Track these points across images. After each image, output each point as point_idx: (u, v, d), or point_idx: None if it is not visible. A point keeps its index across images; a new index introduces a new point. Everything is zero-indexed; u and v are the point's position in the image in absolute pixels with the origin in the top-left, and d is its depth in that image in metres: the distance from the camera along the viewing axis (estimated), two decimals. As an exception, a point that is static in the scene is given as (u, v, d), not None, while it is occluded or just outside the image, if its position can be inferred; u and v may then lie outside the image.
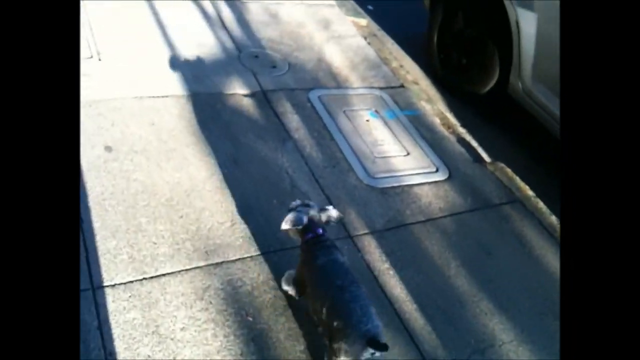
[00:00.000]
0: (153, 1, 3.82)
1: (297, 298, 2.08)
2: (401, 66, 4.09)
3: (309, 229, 1.94)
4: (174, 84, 3.12)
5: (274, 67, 3.56)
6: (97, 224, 2.22)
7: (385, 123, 3.34)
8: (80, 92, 2.85)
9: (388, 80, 3.79)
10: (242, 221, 2.41)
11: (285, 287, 2.11)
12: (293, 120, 3.12)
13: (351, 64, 3.84)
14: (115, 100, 2.87)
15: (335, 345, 1.70)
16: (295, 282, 2.04)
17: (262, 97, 3.25)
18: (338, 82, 3.61)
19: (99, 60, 3.13)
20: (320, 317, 1.78)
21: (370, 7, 5.00)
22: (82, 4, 3.55)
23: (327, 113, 3.26)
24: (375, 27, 4.60)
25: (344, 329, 1.67)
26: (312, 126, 3.12)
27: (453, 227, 2.73)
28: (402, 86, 3.77)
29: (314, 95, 3.39)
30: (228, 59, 3.48)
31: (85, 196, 2.32)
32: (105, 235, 2.18)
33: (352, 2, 4.85)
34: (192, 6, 3.93)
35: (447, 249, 2.59)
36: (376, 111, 3.43)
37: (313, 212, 1.98)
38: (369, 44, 4.18)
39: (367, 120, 3.32)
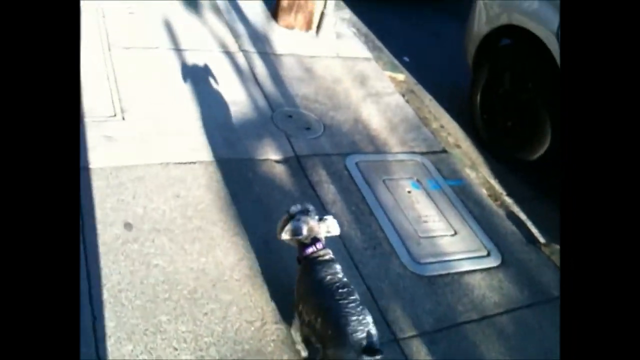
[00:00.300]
0: (183, 51, 3.64)
1: (304, 354, 2.00)
2: (442, 126, 3.82)
3: (308, 243, 1.94)
4: (202, 148, 2.88)
5: (309, 128, 3.32)
6: (111, 322, 1.94)
7: (429, 195, 3.05)
8: (102, 156, 2.63)
9: (429, 143, 3.52)
10: (274, 320, 2.12)
11: (298, 347, 2.03)
12: (329, 191, 2.85)
13: (390, 125, 3.58)
14: (139, 167, 2.64)
15: (329, 352, 1.72)
16: (295, 306, 1.96)
17: (296, 164, 2.99)
18: (376, 146, 3.35)
19: (123, 119, 2.92)
20: (315, 328, 1.79)
21: (406, 59, 4.79)
22: (107, 53, 3.38)
23: (365, 183, 2.99)
24: (412, 82, 4.36)
25: (339, 337, 1.68)
26: (349, 199, 2.85)
27: (511, 326, 2.40)
28: (444, 151, 3.50)
29: (351, 162, 3.12)
30: (260, 119, 3.25)
31: (100, 286, 2.05)
32: (120, 338, 1.90)
33: (388, 53, 4.65)
34: (223, 59, 3.74)
35: (507, 354, 2.26)
36: (418, 180, 3.14)
37: (312, 223, 1.96)
38: (407, 101, 3.93)
39: (409, 192, 3.04)
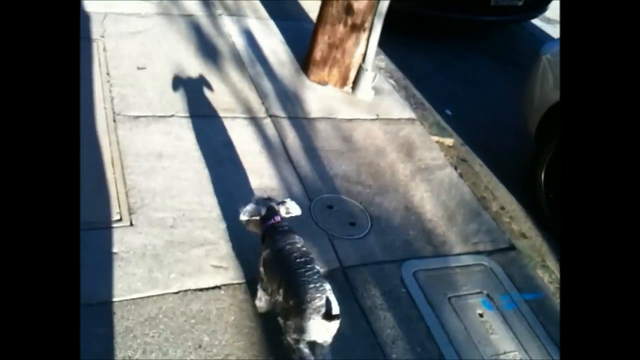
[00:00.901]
0: (201, 119, 3.08)
1: (263, 309, 2.10)
2: (502, 208, 3.25)
3: (267, 217, 2.02)
4: (228, 262, 2.32)
5: (353, 224, 2.75)
6: None
7: (504, 319, 2.48)
8: (104, 283, 2.07)
9: (493, 237, 2.95)
10: None
11: (258, 304, 2.11)
12: (386, 324, 2.28)
13: (447, 213, 3.01)
14: (150, 300, 2.07)
15: (290, 323, 1.76)
16: (259, 279, 2.04)
17: (342, 280, 2.43)
18: (435, 246, 2.77)
19: (131, 224, 2.36)
20: (277, 298, 1.85)
21: (448, 112, 4.23)
22: (111, 125, 2.83)
23: (428, 305, 2.42)
24: (461, 145, 3.79)
25: (299, 306, 1.72)
26: (412, 334, 2.27)
27: None
28: (511, 247, 2.92)
29: (408, 272, 2.55)
30: (297, 214, 2.68)
31: None
32: None
33: (431, 108, 4.08)
34: (249, 127, 3.18)
35: None
36: (489, 296, 2.57)
37: (272, 204, 2.06)
38: (460, 175, 3.36)
39: (481, 315, 2.47)
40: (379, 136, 3.47)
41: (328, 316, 1.69)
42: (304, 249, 1.93)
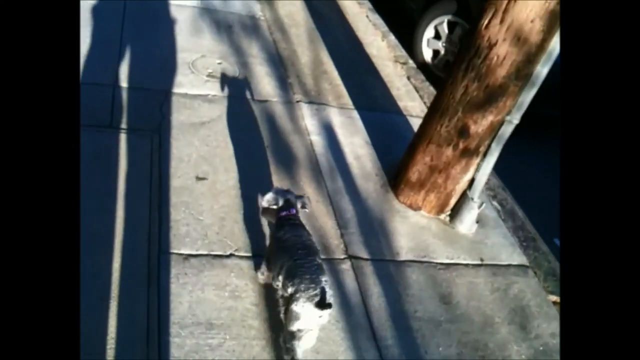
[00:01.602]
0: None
1: (263, 281, 2.28)
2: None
3: (284, 208, 2.13)
4: None
5: None
6: None
7: None
8: None
9: None
10: None
11: (260, 276, 2.28)
12: None
13: None
14: None
15: (288, 311, 1.86)
16: (266, 257, 2.23)
17: None
18: None
19: None
20: (278, 284, 1.97)
21: (557, 242, 3.43)
22: (153, 268, 2.21)
23: None
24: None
25: (295, 294, 1.82)
26: None
27: None
28: None
29: None
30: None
31: None
32: None
33: (544, 246, 3.27)
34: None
35: None
36: None
37: (290, 196, 2.18)
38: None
39: None
40: (485, 295, 2.71)
41: (320, 305, 1.78)
42: (308, 242, 2.04)
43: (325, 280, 1.87)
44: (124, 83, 3.28)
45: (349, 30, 4.90)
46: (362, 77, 4.22)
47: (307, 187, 2.97)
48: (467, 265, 2.86)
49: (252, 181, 2.87)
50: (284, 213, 2.12)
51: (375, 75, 4.32)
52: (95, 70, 3.29)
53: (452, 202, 3.04)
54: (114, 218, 2.41)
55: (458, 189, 2.98)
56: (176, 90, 3.37)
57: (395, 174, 3.15)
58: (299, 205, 2.18)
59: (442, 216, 3.09)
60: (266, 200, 2.15)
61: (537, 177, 4.05)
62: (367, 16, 5.29)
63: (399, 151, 3.42)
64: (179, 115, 3.17)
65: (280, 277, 1.93)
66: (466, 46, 2.50)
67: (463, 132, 2.69)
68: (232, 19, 4.39)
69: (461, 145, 2.75)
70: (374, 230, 2.85)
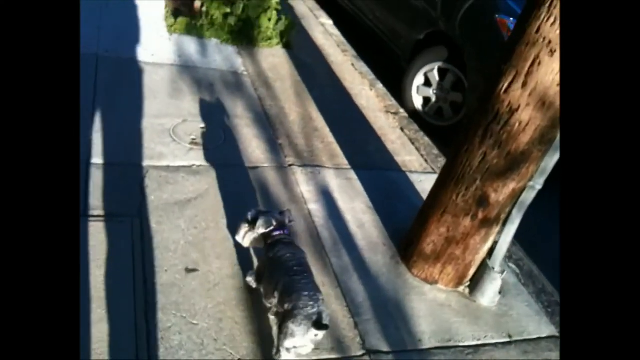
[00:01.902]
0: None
1: (254, 286, 2.30)
2: None
3: (277, 228, 2.16)
4: None
5: None
6: None
7: None
8: None
9: None
10: None
11: (248, 279, 2.34)
12: None
13: None
14: None
15: (283, 327, 1.86)
16: (257, 272, 2.27)
17: None
18: None
19: None
20: (273, 301, 1.99)
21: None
22: None
23: None
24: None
25: (293, 310, 1.83)
26: None
27: None
28: None
29: None
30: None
31: None
32: None
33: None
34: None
35: None
36: None
37: (277, 216, 2.20)
38: None
39: None
40: (521, 383, 2.40)
41: (318, 325, 1.81)
42: (303, 260, 2.06)
43: (322, 299, 1.90)
44: (98, 159, 2.94)
45: (335, 81, 4.69)
46: (355, 131, 3.98)
47: (312, 267, 2.64)
48: (495, 344, 2.55)
49: (249, 266, 2.54)
50: (277, 232, 2.14)
51: (367, 128, 4.09)
52: (65, 146, 2.95)
53: (471, 272, 2.76)
54: (92, 330, 2.04)
55: (477, 258, 2.70)
56: (157, 163, 3.04)
57: (405, 244, 2.86)
58: (286, 220, 2.21)
59: (461, 288, 2.80)
60: (263, 225, 2.15)
61: (549, 226, 3.82)
62: (353, 64, 5.10)
63: (403, 213, 3.16)
64: (162, 194, 2.83)
65: (276, 294, 1.94)
66: (482, 111, 2.27)
67: (482, 201, 2.43)
68: (213, 76, 4.13)
69: (480, 215, 2.49)
70: (391, 314, 2.54)
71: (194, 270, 2.44)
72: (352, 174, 3.46)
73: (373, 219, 3.11)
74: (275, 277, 1.98)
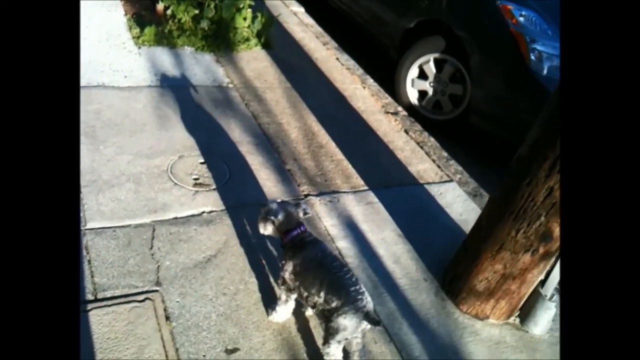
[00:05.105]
0: None
1: (280, 321, 2.27)
2: None
3: (293, 226, 2.12)
4: None
5: None
6: None
7: None
8: None
9: None
10: None
11: (271, 316, 2.28)
12: None
13: None
14: None
15: (333, 324, 1.91)
16: (284, 283, 2.14)
17: None
18: None
19: None
20: (317, 302, 1.98)
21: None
22: None
23: None
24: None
25: (342, 306, 1.89)
26: None
27: None
28: None
29: None
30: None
31: None
32: None
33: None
34: None
35: None
36: None
37: (290, 208, 2.16)
38: None
39: None
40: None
41: (370, 319, 1.88)
42: (335, 254, 2.08)
43: (366, 291, 1.96)
44: (94, 223, 2.54)
45: (326, 82, 4.34)
46: (361, 143, 3.69)
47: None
48: (559, 383, 2.43)
49: (292, 335, 2.27)
50: (295, 232, 2.10)
51: (373, 136, 3.81)
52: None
53: (522, 303, 2.60)
54: None
55: (530, 290, 2.54)
56: (162, 216, 2.67)
57: (450, 279, 2.65)
58: (301, 214, 2.17)
59: (512, 319, 2.64)
60: (280, 217, 2.12)
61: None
62: (338, 59, 4.75)
63: (437, 238, 2.98)
64: (177, 256, 2.48)
65: (322, 294, 1.96)
66: (550, 143, 2.03)
67: (546, 236, 2.23)
68: (198, 96, 3.70)
69: (541, 250, 2.29)
70: (451, 364, 2.35)
71: (234, 350, 2.15)
72: (372, 196, 3.19)
73: (407, 250, 2.88)
74: (318, 277, 1.99)
